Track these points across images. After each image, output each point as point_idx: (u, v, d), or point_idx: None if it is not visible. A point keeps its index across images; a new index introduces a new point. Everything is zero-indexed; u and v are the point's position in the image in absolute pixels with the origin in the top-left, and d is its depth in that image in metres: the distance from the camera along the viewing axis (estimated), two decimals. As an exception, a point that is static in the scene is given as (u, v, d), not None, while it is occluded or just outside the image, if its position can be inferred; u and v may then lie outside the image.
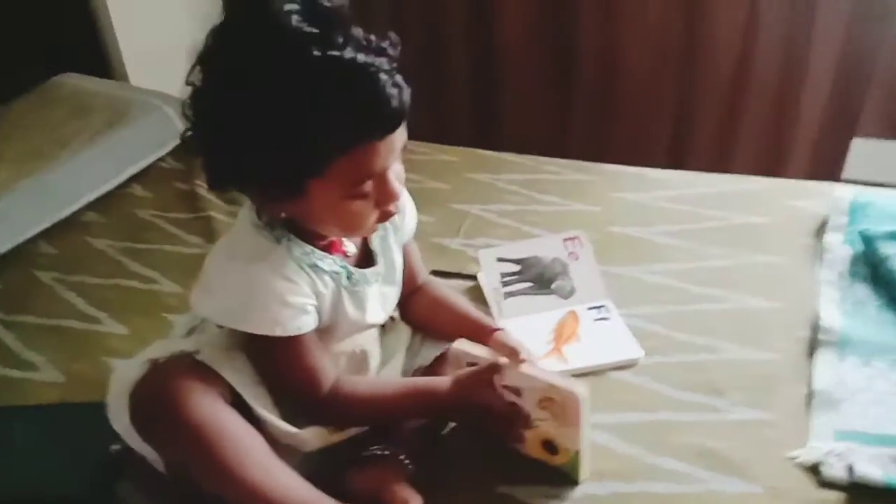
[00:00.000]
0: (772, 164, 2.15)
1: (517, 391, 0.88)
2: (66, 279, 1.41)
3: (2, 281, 1.42)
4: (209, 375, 0.82)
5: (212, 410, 0.79)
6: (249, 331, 0.83)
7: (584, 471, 0.91)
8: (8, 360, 1.21)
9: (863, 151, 2.18)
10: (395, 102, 0.74)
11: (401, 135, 0.79)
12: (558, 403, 0.86)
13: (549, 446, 0.90)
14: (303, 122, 0.73)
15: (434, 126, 2.30)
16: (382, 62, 0.75)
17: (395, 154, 0.80)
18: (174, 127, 1.74)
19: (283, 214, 0.83)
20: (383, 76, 0.74)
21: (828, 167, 2.13)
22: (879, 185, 1.50)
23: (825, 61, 2.01)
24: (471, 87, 2.44)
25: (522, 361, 0.90)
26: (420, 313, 1.06)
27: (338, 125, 0.73)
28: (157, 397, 0.79)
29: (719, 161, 2.20)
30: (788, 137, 2.16)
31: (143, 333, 1.23)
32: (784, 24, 1.99)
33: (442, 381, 0.90)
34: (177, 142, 1.81)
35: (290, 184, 0.78)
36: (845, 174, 2.15)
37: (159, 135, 1.77)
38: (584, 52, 2.23)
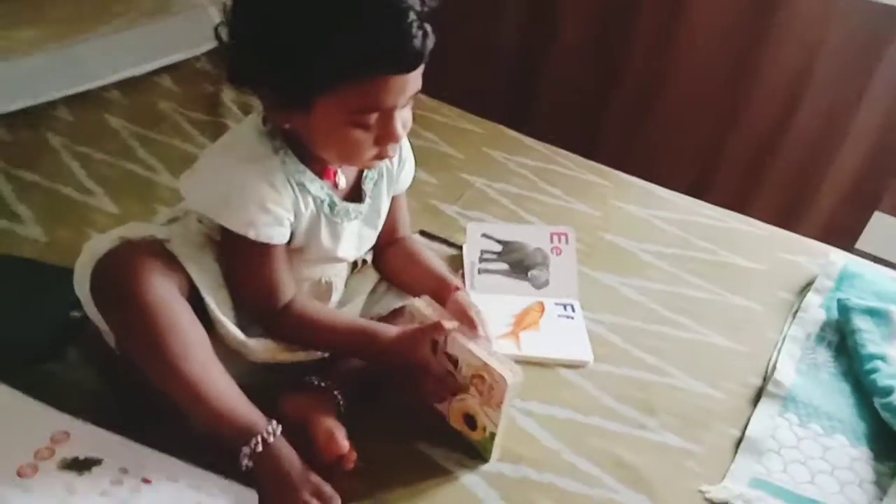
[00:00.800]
0: (789, 218, 2.13)
1: (454, 359, 0.90)
2: (74, 148, 1.45)
3: (14, 135, 1.45)
4: (173, 265, 0.84)
5: (165, 297, 0.81)
6: (223, 224, 0.85)
7: (495, 453, 0.94)
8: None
9: (882, 226, 2.16)
10: (416, 43, 0.77)
11: (414, 80, 0.81)
12: (487, 383, 0.88)
13: (470, 421, 0.93)
14: (323, 35, 0.75)
15: (470, 94, 2.32)
16: (415, 2, 0.77)
17: (405, 96, 0.82)
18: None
19: (286, 125, 0.85)
20: (412, 15, 0.76)
21: (843, 234, 2.12)
22: (886, 263, 1.51)
23: (866, 129, 1.99)
24: (516, 65, 2.43)
25: (471, 322, 0.92)
26: (392, 264, 1.08)
27: (355, 48, 0.75)
28: (117, 274, 0.81)
29: (739, 202, 2.18)
30: (812, 195, 2.14)
31: (131, 217, 1.26)
32: (835, 86, 1.97)
33: (389, 329, 0.93)
34: (213, 44, 1.84)
35: (299, 94, 0.80)
36: (859, 245, 2.14)
37: (199, 33, 1.79)
38: (632, 65, 2.22)
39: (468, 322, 0.93)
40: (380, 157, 0.87)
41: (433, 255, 1.11)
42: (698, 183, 2.25)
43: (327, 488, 0.84)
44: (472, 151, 1.67)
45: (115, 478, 0.81)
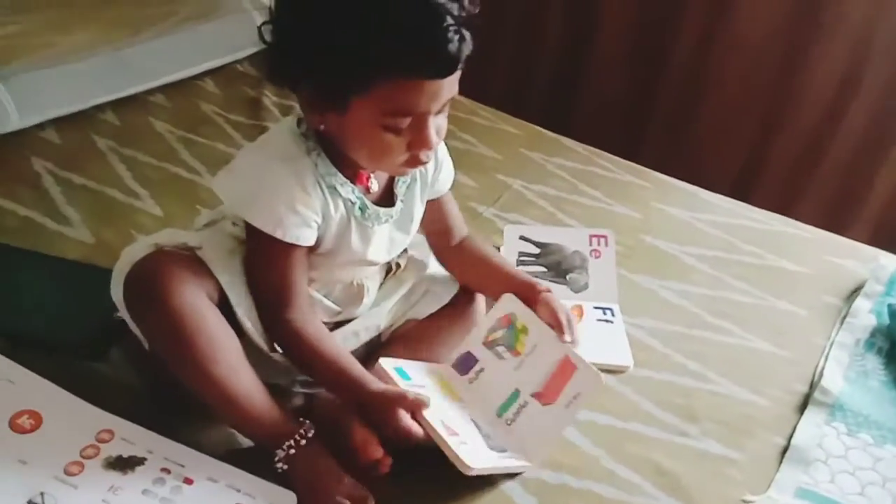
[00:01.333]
0: (836, 222, 2.07)
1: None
2: (120, 151, 1.48)
3: (63, 138, 1.49)
4: (202, 272, 0.85)
5: (194, 303, 0.82)
6: (251, 221, 0.85)
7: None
8: (49, 210, 1.28)
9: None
10: (451, 48, 0.76)
11: (449, 86, 0.81)
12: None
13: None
14: (359, 34, 0.75)
15: (509, 96, 2.30)
16: (454, 7, 0.76)
17: (439, 102, 0.81)
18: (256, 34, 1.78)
19: (321, 126, 0.85)
20: (448, 19, 0.76)
21: (892, 237, 2.05)
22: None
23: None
24: (556, 66, 2.41)
25: (560, 325, 0.95)
26: (466, 267, 1.07)
27: (390, 48, 0.75)
28: (147, 280, 0.83)
29: (783, 206, 2.13)
30: (859, 199, 2.08)
31: (175, 219, 1.29)
32: (884, 86, 1.91)
33: (373, 382, 0.87)
34: (256, 48, 1.86)
35: (336, 93, 0.80)
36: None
37: (242, 37, 1.81)
38: (676, 64, 2.18)
39: (558, 326, 0.94)
40: (412, 163, 0.86)
41: (498, 253, 1.10)
42: (742, 185, 2.20)
43: (362, 490, 0.84)
44: (511, 153, 1.66)
45: (156, 477, 0.83)
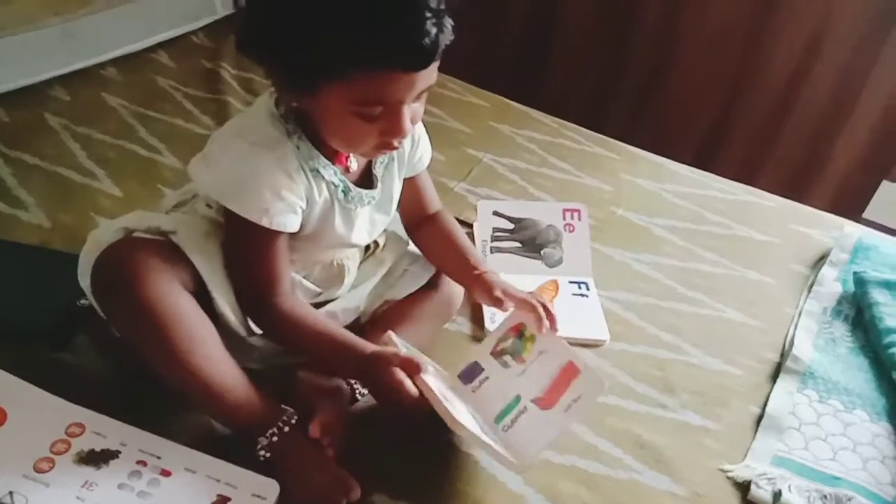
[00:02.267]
0: (797, 189, 2.11)
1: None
2: (73, 129, 1.41)
3: (11, 116, 1.42)
4: (176, 257, 0.82)
5: (167, 292, 0.79)
6: (237, 211, 0.82)
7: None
8: (1, 193, 1.22)
9: (890, 195, 2.14)
10: (427, 41, 0.73)
11: (426, 76, 0.77)
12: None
13: None
14: (332, 21, 0.72)
15: (476, 67, 2.27)
16: None
17: (414, 92, 0.78)
18: (213, 4, 1.72)
19: (294, 104, 0.82)
20: (427, 12, 0.72)
21: (852, 203, 2.10)
22: (894, 233, 1.49)
23: (875, 99, 1.96)
24: (523, 34, 2.38)
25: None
26: (428, 242, 1.05)
27: (363, 40, 0.72)
28: (117, 271, 0.79)
29: (746, 173, 2.15)
30: (819, 166, 2.12)
31: (135, 199, 1.24)
32: (845, 55, 1.93)
33: (366, 345, 0.86)
34: (212, 18, 1.79)
35: (305, 77, 0.77)
36: (867, 214, 2.12)
37: (197, 8, 1.75)
38: (642, 33, 2.18)
39: (496, 303, 0.94)
40: (382, 147, 0.83)
41: (462, 233, 1.07)
42: (704, 153, 2.22)
43: (347, 478, 0.82)
44: (480, 126, 1.64)
45: (132, 470, 0.80)
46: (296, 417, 0.84)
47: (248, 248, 0.86)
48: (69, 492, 0.77)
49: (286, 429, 0.82)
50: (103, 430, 0.84)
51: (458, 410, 0.84)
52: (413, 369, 0.82)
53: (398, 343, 0.89)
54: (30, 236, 1.13)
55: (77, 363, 0.95)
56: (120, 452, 0.82)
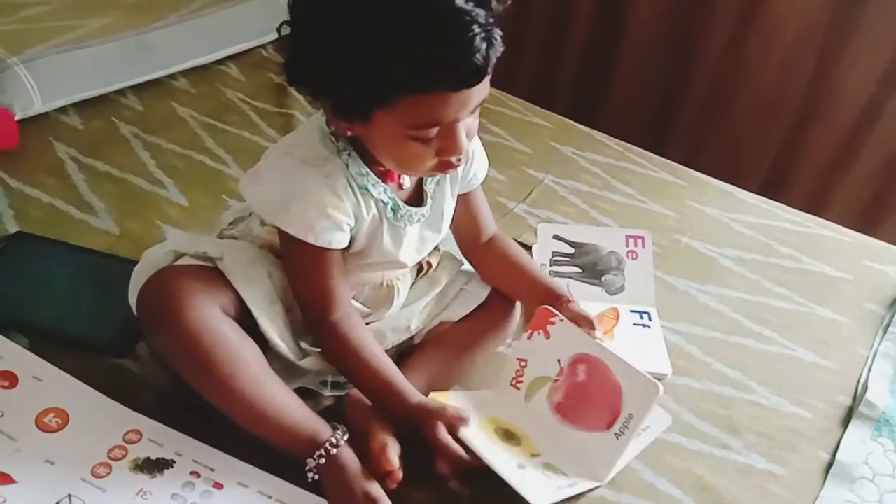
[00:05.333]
0: (870, 222, 2.02)
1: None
2: (144, 137, 1.45)
3: (84, 123, 1.46)
4: (221, 283, 0.83)
5: (208, 319, 0.79)
6: (283, 228, 0.83)
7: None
8: (73, 198, 1.25)
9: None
10: (478, 58, 0.72)
11: (479, 91, 0.77)
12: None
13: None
14: (381, 49, 0.71)
15: (538, 85, 2.26)
16: (480, 14, 0.71)
17: (468, 109, 0.78)
18: (282, 19, 1.75)
19: (349, 133, 0.82)
20: (476, 28, 0.71)
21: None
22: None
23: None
24: (586, 56, 2.35)
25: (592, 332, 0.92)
26: (491, 267, 1.03)
27: (414, 64, 0.71)
28: (160, 299, 0.80)
29: (815, 205, 2.09)
30: (894, 199, 2.03)
31: (200, 209, 1.26)
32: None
33: (414, 394, 0.86)
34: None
35: (357, 107, 0.77)
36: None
37: (266, 22, 1.76)
38: (708, 56, 2.12)
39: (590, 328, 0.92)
40: (442, 167, 0.83)
41: (527, 256, 1.06)
42: (772, 182, 2.15)
43: (386, 501, 0.80)
44: (541, 146, 1.62)
45: (186, 481, 0.81)
46: (346, 437, 0.83)
47: (301, 266, 0.86)
48: (124, 499, 0.78)
49: (333, 451, 0.81)
50: (160, 438, 0.85)
51: (500, 458, 0.83)
52: (457, 422, 0.82)
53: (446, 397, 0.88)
54: (98, 242, 1.16)
55: (137, 371, 0.97)
56: (175, 462, 0.82)
